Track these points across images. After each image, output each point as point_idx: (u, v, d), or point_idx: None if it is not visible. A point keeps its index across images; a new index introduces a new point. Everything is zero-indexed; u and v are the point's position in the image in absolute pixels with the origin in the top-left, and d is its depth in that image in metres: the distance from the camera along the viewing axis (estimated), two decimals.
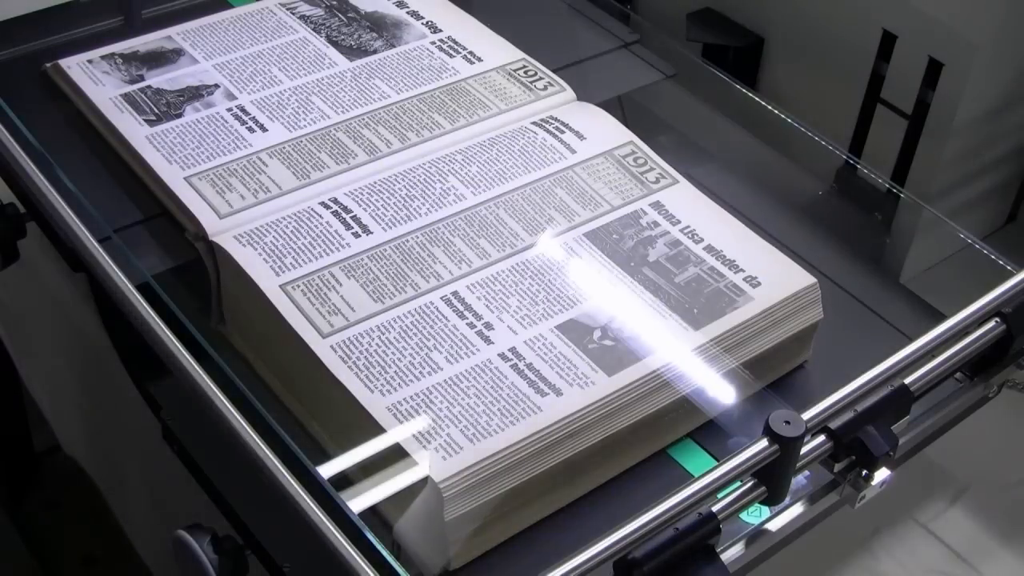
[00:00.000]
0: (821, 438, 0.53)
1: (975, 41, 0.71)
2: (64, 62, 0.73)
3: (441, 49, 0.78)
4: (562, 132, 0.71)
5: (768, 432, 0.50)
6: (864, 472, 0.54)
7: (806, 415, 0.51)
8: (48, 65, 0.73)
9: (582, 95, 0.75)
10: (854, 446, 0.53)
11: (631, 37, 0.85)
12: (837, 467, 0.54)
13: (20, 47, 0.76)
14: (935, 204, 0.78)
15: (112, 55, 0.74)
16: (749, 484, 0.51)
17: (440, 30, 0.79)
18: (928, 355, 0.56)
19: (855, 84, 0.79)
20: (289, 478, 0.57)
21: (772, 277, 0.62)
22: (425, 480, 0.51)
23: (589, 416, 0.55)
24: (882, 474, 0.54)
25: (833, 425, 0.53)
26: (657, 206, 0.67)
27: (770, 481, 0.51)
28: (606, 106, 0.74)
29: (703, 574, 0.49)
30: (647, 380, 0.57)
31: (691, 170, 0.70)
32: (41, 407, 0.96)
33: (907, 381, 0.55)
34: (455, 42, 0.78)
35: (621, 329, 0.59)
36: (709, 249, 0.64)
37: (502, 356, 0.57)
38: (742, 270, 0.63)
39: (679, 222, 0.66)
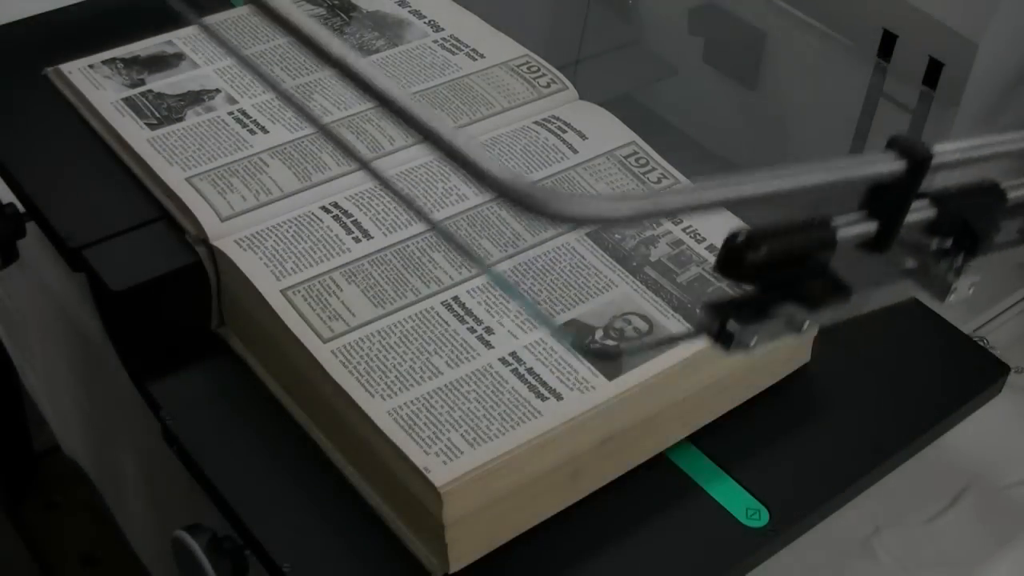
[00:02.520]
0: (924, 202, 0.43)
1: (975, 41, 0.71)
2: (65, 66, 0.73)
3: (444, 47, 0.77)
4: (564, 132, 0.71)
5: (896, 145, 0.42)
6: (959, 262, 0.44)
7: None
8: (49, 69, 0.73)
9: (584, 94, 0.75)
10: (956, 226, 0.44)
11: (633, 35, 0.85)
12: (934, 244, 0.44)
13: (21, 51, 0.76)
14: None
15: (113, 59, 0.73)
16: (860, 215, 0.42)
17: (442, 28, 0.79)
18: None
19: (855, 84, 0.79)
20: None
21: None
22: (425, 484, 0.51)
23: (589, 420, 0.55)
24: (971, 278, 0.44)
25: (938, 195, 0.43)
26: None
27: (884, 214, 0.42)
28: (608, 105, 0.74)
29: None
30: (648, 383, 0.57)
31: (693, 170, 0.70)
32: (41, 407, 0.96)
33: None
34: (458, 40, 0.78)
35: (623, 330, 0.59)
36: (711, 249, 0.64)
37: (503, 360, 0.57)
38: None
39: (681, 222, 0.65)
